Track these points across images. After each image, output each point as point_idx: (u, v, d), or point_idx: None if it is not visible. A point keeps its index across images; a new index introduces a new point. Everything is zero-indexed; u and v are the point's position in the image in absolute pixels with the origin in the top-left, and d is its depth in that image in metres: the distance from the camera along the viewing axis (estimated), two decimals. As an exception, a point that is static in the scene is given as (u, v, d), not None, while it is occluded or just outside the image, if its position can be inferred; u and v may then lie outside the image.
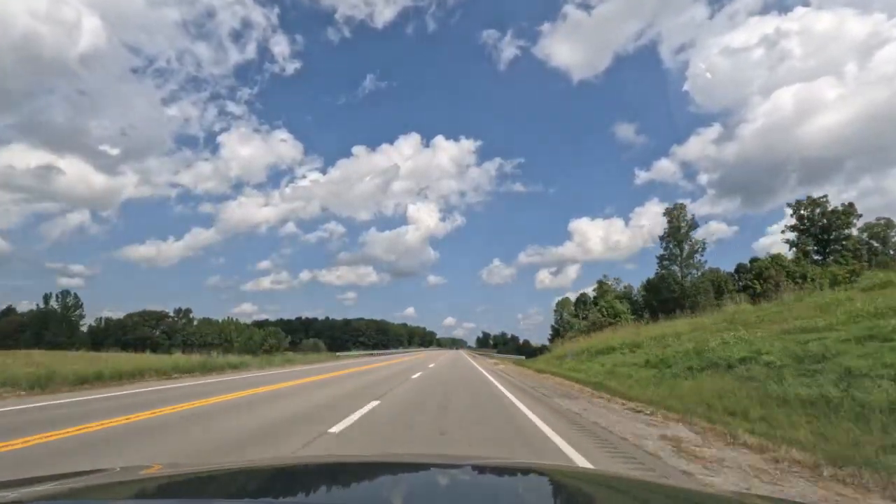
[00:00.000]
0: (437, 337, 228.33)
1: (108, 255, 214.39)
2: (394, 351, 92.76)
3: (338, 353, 50.02)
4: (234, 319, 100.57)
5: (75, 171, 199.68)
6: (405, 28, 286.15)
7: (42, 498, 1.11)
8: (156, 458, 4.78)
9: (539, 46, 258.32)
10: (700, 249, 48.97)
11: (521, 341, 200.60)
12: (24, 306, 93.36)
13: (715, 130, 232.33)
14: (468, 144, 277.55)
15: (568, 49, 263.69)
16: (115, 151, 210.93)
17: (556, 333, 61.85)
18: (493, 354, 75.21)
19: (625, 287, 62.58)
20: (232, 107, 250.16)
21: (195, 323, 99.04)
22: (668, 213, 51.46)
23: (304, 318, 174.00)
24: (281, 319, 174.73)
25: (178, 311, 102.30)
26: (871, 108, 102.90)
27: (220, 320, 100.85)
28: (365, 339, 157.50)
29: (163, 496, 1.28)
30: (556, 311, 71.43)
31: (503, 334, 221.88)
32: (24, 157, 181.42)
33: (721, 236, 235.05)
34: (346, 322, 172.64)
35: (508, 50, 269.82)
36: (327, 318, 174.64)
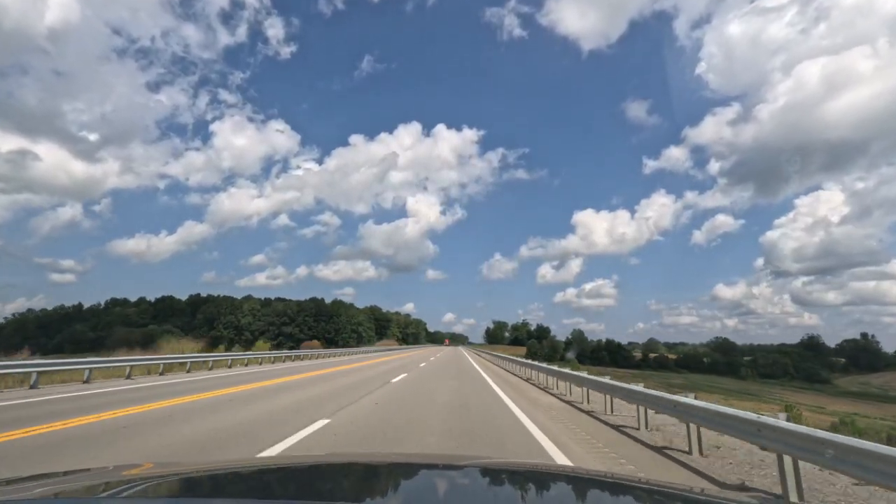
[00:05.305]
0: (431, 331, 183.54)
1: (96, 250, 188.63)
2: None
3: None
4: None
5: (53, 158, 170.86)
6: (403, 1, 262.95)
7: (32, 499, 1.08)
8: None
9: (544, 11, 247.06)
10: None
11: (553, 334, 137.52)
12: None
13: (732, 111, 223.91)
14: (471, 134, 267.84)
15: (577, 13, 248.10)
16: (93, 137, 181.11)
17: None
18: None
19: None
20: (224, 94, 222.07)
21: None
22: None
23: (202, 294, 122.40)
24: (162, 297, 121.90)
25: None
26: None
27: None
28: (294, 329, 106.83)
29: (156, 495, 1.21)
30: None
31: (524, 323, 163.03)
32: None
33: (727, 230, 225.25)
34: (266, 303, 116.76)
35: (511, 18, 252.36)
36: (249, 297, 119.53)
